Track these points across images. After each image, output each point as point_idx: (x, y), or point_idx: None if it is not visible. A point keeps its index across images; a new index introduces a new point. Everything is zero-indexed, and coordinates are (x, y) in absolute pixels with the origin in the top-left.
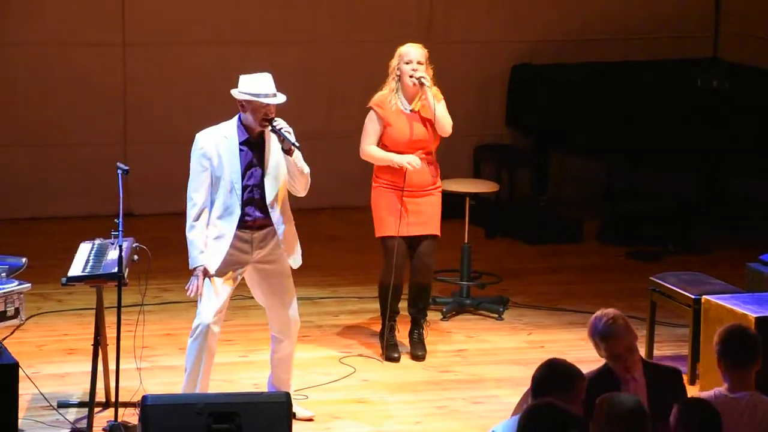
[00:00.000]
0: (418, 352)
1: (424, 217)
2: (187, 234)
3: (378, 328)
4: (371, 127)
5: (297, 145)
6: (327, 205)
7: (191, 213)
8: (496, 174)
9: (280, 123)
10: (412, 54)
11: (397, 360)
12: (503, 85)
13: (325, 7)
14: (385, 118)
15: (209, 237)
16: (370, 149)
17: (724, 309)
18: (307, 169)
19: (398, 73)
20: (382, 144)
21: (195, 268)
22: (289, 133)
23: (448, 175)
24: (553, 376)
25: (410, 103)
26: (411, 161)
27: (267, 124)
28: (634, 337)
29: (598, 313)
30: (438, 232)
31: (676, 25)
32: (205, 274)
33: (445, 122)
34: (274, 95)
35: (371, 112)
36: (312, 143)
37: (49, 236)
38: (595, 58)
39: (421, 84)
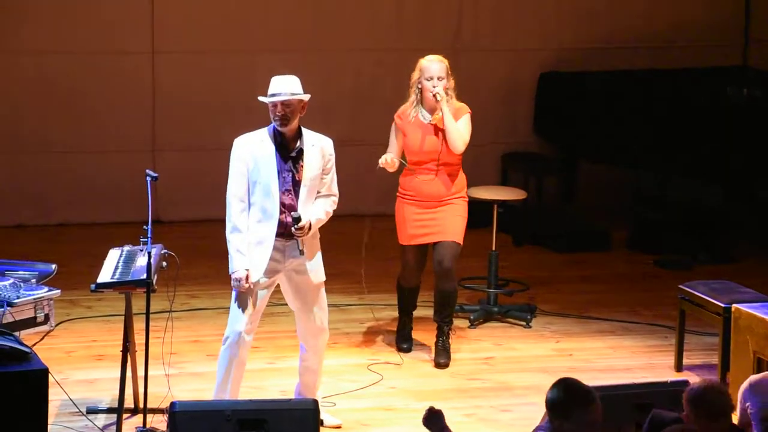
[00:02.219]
0: (441, 360)
1: (441, 225)
2: (228, 235)
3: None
4: (391, 137)
5: (300, 246)
6: (353, 213)
7: (230, 215)
8: (524, 182)
9: (300, 227)
10: (432, 70)
11: (406, 351)
12: (531, 92)
13: (352, 16)
14: (402, 129)
15: (250, 242)
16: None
17: (754, 318)
18: (325, 217)
19: (419, 86)
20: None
21: (237, 272)
22: (301, 235)
23: (475, 182)
24: (570, 397)
25: (431, 114)
26: (384, 158)
27: (280, 124)
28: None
29: (709, 383)
30: (457, 239)
31: (706, 33)
32: (248, 276)
33: (455, 137)
34: (290, 95)
35: (393, 123)
36: (338, 150)
37: (78, 243)
38: (623, 66)
39: (437, 100)
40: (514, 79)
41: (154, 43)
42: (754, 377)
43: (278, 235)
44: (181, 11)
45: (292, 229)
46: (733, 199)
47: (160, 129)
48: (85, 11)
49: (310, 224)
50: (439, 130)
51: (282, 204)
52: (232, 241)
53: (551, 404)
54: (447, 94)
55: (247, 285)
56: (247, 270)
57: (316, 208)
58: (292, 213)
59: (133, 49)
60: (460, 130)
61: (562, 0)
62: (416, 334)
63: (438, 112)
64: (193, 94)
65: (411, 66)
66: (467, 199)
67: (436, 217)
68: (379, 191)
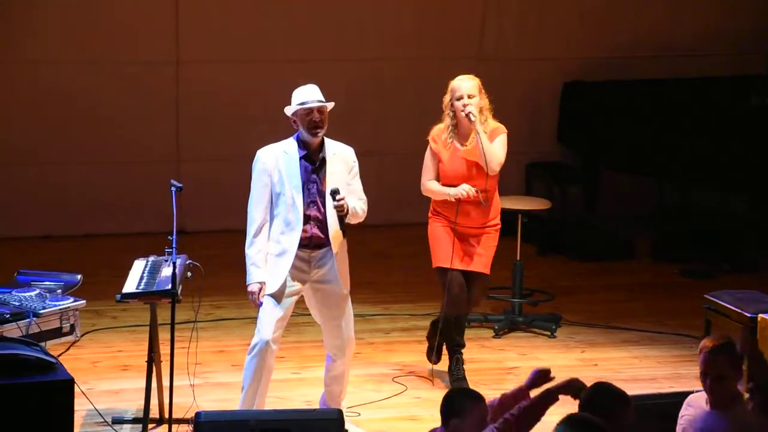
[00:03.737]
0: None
1: (477, 255)
2: (246, 250)
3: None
4: (428, 162)
5: (342, 226)
6: (377, 222)
7: (251, 229)
8: (548, 191)
9: (340, 199)
10: (462, 88)
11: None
12: (554, 102)
13: (375, 25)
14: (438, 153)
15: (270, 253)
16: (429, 184)
17: None
18: (361, 213)
19: (452, 109)
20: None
21: (251, 285)
22: (342, 209)
23: (500, 192)
24: (600, 399)
25: (466, 138)
26: (465, 190)
27: (316, 131)
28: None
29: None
30: (486, 270)
31: (729, 42)
32: (261, 290)
33: (490, 159)
34: (321, 101)
35: (428, 146)
36: (361, 160)
37: (103, 253)
38: (646, 75)
39: (470, 121)
40: (538, 88)
41: (178, 53)
42: (693, 396)
43: (304, 246)
44: (206, 21)
45: (333, 203)
46: (756, 208)
47: (185, 139)
48: (110, 21)
49: (347, 208)
50: (475, 158)
51: (307, 216)
52: (249, 254)
53: (584, 406)
54: (481, 113)
55: (259, 299)
56: (261, 283)
57: (351, 203)
58: (331, 188)
59: (158, 59)
60: (495, 152)
61: (586, 9)
62: None
63: (473, 137)
64: (217, 104)
65: (433, 75)
66: (499, 227)
67: (475, 245)
68: (401, 201)
